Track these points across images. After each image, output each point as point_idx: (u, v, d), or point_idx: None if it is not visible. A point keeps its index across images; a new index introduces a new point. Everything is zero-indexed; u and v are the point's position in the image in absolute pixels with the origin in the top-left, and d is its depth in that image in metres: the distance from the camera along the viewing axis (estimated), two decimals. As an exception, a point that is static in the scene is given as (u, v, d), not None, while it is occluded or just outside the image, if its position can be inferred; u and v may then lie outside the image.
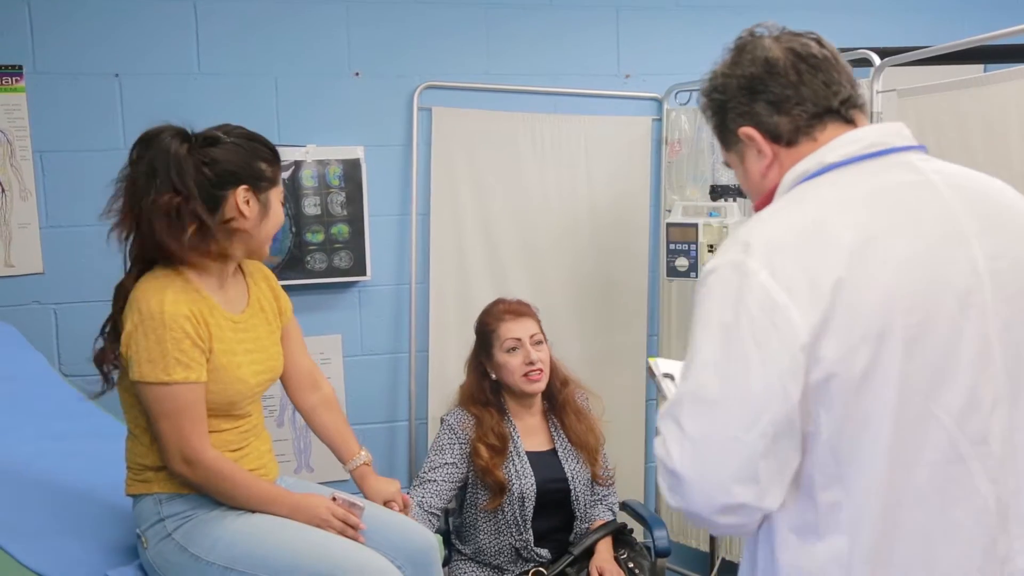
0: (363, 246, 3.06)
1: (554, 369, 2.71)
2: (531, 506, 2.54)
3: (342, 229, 3.04)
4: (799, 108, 1.28)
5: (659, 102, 3.31)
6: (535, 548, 2.54)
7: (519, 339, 2.60)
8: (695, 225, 2.87)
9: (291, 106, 3.00)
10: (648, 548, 2.70)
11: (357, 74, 3.06)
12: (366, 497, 2.09)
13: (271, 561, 1.78)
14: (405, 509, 2.10)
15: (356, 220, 3.04)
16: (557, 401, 2.71)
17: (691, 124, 3.05)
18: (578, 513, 2.61)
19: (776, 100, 1.28)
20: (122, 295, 1.82)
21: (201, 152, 1.80)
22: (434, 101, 3.11)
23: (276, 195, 1.89)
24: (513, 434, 2.62)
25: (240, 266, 1.99)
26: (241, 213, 1.81)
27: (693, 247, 2.88)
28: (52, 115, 2.81)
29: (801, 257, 1.17)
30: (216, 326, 1.83)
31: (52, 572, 1.71)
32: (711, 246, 2.85)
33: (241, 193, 1.81)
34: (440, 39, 3.12)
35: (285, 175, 2.89)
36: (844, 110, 1.29)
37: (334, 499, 1.91)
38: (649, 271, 3.37)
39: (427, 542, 2.00)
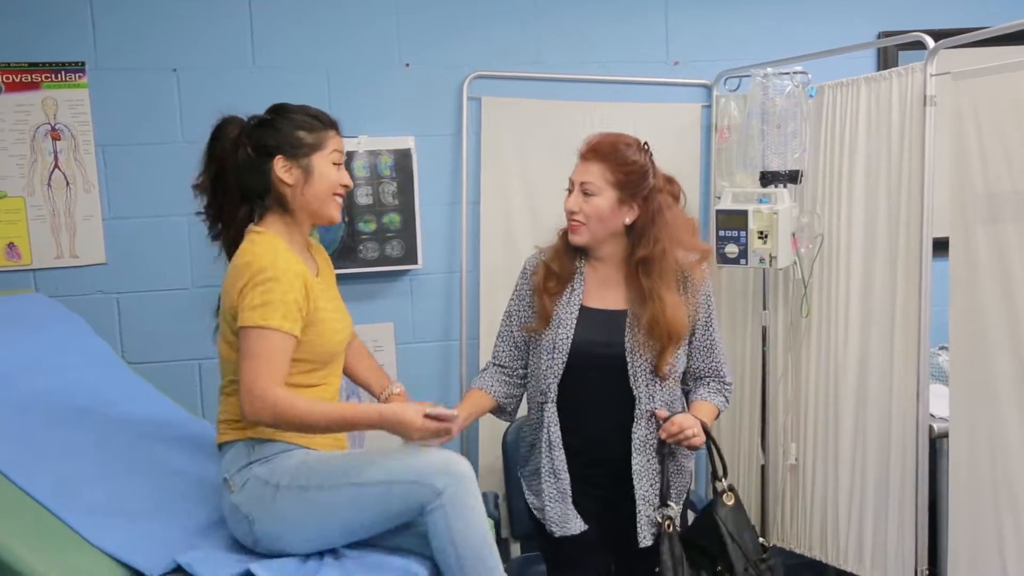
0: (414, 235, 3.10)
1: (658, 230, 2.25)
2: (561, 360, 2.27)
3: (394, 218, 3.08)
4: None
5: (708, 89, 3.30)
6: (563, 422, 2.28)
7: (572, 181, 2.30)
8: (745, 212, 2.85)
9: (343, 98, 3.04)
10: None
11: (407, 65, 3.09)
12: None
13: (358, 471, 1.87)
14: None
15: (407, 209, 3.08)
16: (650, 267, 2.26)
17: (740, 110, 3.02)
18: (637, 393, 2.25)
19: None
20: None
21: (247, 135, 1.98)
22: (483, 91, 3.13)
23: (321, 159, 1.99)
24: (575, 284, 2.32)
25: None
26: (283, 181, 1.96)
27: (743, 234, 2.85)
28: (113, 110, 2.90)
29: None
30: (313, 287, 1.96)
31: (122, 553, 1.79)
32: (761, 232, 2.82)
33: (279, 163, 1.95)
34: (489, 29, 3.14)
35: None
36: None
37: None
38: (699, 258, 3.36)
39: (467, 465, 1.94)
